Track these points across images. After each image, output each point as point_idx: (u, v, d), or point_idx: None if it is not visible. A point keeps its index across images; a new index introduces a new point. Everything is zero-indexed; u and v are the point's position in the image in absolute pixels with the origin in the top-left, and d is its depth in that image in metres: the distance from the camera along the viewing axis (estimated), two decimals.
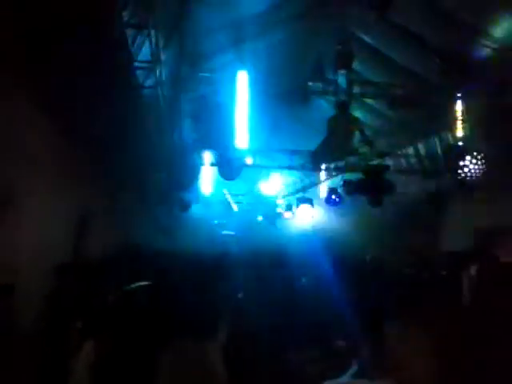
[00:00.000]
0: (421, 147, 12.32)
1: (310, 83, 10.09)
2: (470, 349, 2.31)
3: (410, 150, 12.56)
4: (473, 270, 4.09)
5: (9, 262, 4.43)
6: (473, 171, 9.41)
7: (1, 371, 3.43)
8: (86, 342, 3.75)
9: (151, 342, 3.33)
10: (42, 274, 5.13)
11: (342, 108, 9.60)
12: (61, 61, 4.36)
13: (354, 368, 1.95)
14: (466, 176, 9.45)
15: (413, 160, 12.49)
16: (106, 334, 3.73)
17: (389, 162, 11.71)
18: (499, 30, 7.96)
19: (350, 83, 9.66)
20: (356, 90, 10.09)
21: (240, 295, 4.57)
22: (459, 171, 9.55)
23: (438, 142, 11.71)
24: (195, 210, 15.93)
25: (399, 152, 12.64)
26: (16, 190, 4.84)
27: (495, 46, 8.23)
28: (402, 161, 12.74)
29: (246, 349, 3.57)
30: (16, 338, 3.72)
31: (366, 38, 9.92)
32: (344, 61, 9.06)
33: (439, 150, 11.64)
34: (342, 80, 9.60)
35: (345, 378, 1.91)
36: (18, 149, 5.00)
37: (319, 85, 10.05)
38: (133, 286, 4.56)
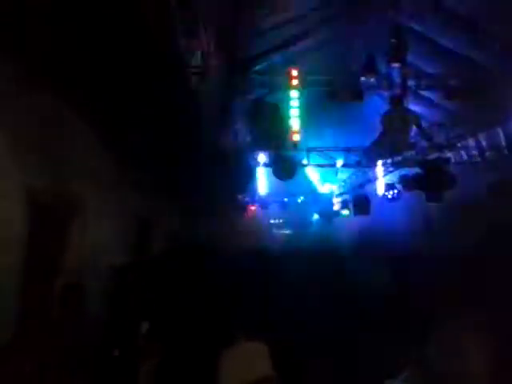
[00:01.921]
0: (482, 138, 11.83)
1: (363, 79, 9.93)
2: None
3: (471, 142, 12.09)
4: None
5: (75, 263, 4.66)
6: None
7: (68, 373, 3.60)
8: (154, 345, 3.90)
9: (212, 341, 3.43)
10: (106, 275, 5.37)
11: (397, 102, 9.39)
12: (117, 72, 4.55)
13: (408, 371, 1.92)
14: None
15: (474, 152, 12.02)
16: (172, 338, 3.86)
17: (448, 155, 11.34)
18: None
19: (405, 76, 9.42)
20: (411, 82, 9.84)
21: (295, 295, 4.59)
22: None
23: (501, 132, 11.19)
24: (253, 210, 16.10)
25: (459, 144, 12.19)
26: (79, 197, 5.08)
27: None
28: (463, 153, 12.28)
29: (297, 349, 3.59)
30: (83, 336, 3.89)
31: (419, 28, 9.64)
32: (397, 54, 8.85)
33: (502, 141, 11.13)
34: (395, 73, 9.39)
35: (398, 382, 1.87)
36: (80, 157, 5.27)
37: (372, 80, 9.87)
38: (194, 286, 4.69)
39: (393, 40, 8.90)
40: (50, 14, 3.50)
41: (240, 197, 14.23)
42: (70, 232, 4.84)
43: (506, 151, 10.94)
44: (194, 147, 8.04)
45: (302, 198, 18.61)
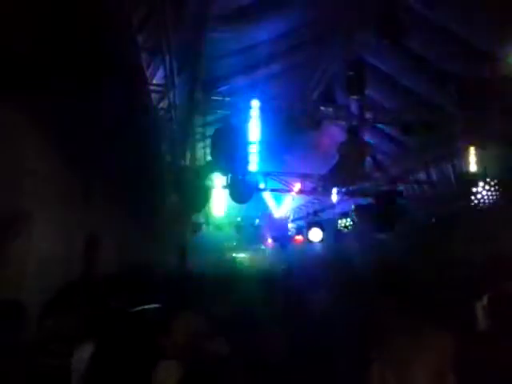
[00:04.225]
0: (433, 173, 12.26)
1: (322, 108, 10.13)
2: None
3: (423, 176, 12.51)
4: (485, 300, 3.98)
5: (16, 279, 4.44)
6: (485, 198, 9.34)
7: None
8: (101, 368, 3.73)
9: (149, 362, 3.37)
10: (50, 293, 5.13)
11: (354, 133, 9.61)
12: (74, 84, 4.44)
13: None
14: (479, 203, 9.38)
15: (425, 186, 12.42)
16: (116, 360, 3.71)
17: (401, 187, 11.66)
18: None
19: (362, 108, 9.67)
20: (368, 115, 10.11)
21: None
22: (471, 197, 9.48)
23: (450, 168, 11.64)
24: (207, 232, 15.97)
25: (411, 177, 12.58)
26: (25, 211, 4.88)
27: None
28: (415, 186, 12.67)
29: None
30: (22, 356, 3.68)
31: (379, 64, 9.97)
32: (356, 86, 9.09)
33: (452, 176, 11.57)
34: (353, 105, 9.63)
35: None
36: (29, 172, 5.08)
37: (331, 110, 10.09)
38: (140, 308, 4.54)
39: (351, 73, 9.14)
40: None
41: (195, 218, 14.09)
42: (11, 246, 4.63)
43: (454, 186, 11.36)
44: (150, 164, 7.91)
45: (257, 221, 18.64)
